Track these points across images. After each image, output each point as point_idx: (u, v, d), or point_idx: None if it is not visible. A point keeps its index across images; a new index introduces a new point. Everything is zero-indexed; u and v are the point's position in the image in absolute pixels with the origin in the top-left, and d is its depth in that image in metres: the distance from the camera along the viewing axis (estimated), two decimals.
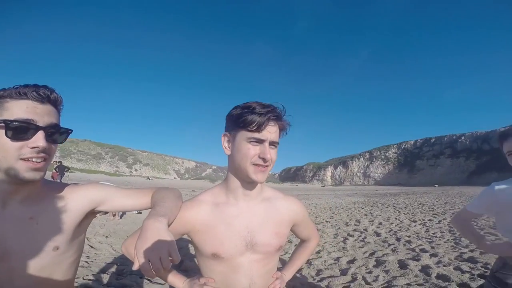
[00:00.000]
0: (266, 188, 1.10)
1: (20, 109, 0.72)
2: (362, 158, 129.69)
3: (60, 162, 16.03)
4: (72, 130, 0.84)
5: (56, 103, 0.79)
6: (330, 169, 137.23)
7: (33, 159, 0.74)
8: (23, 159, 0.73)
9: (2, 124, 0.70)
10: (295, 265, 1.28)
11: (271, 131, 0.92)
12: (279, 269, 1.18)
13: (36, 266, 0.81)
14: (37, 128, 0.73)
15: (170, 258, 0.71)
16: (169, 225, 0.83)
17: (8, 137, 0.70)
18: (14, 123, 0.70)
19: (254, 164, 0.91)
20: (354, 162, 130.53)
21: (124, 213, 8.71)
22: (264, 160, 0.91)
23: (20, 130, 0.71)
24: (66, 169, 16.53)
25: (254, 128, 0.89)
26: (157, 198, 0.92)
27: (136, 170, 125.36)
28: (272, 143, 0.93)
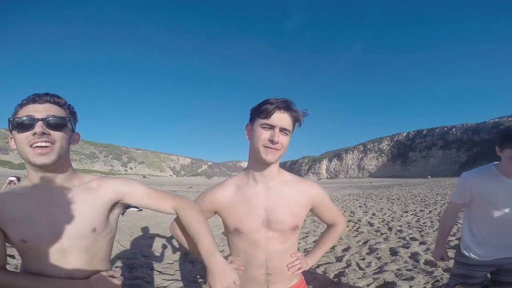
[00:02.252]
0: (284, 172, 1.22)
1: (24, 111, 0.91)
2: (356, 151, 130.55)
3: None
4: (68, 118, 0.97)
5: (58, 103, 0.96)
6: (325, 162, 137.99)
7: (38, 144, 0.89)
8: (31, 146, 0.89)
9: (11, 123, 0.91)
10: (320, 249, 1.38)
11: (280, 118, 1.05)
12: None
13: (82, 245, 0.98)
14: (37, 120, 0.90)
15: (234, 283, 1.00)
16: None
17: (16, 131, 0.90)
18: (16, 119, 0.90)
19: (265, 146, 1.06)
20: (348, 154, 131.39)
21: (125, 210, 8.90)
22: (272, 142, 1.05)
23: (23, 124, 0.90)
24: None
25: (265, 115, 1.05)
26: (194, 231, 1.06)
27: (131, 168, 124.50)
28: (283, 130, 1.06)
